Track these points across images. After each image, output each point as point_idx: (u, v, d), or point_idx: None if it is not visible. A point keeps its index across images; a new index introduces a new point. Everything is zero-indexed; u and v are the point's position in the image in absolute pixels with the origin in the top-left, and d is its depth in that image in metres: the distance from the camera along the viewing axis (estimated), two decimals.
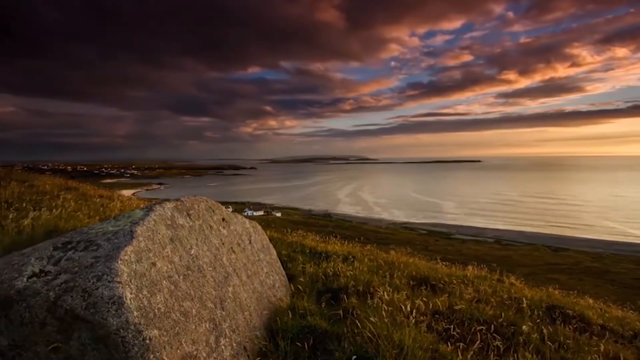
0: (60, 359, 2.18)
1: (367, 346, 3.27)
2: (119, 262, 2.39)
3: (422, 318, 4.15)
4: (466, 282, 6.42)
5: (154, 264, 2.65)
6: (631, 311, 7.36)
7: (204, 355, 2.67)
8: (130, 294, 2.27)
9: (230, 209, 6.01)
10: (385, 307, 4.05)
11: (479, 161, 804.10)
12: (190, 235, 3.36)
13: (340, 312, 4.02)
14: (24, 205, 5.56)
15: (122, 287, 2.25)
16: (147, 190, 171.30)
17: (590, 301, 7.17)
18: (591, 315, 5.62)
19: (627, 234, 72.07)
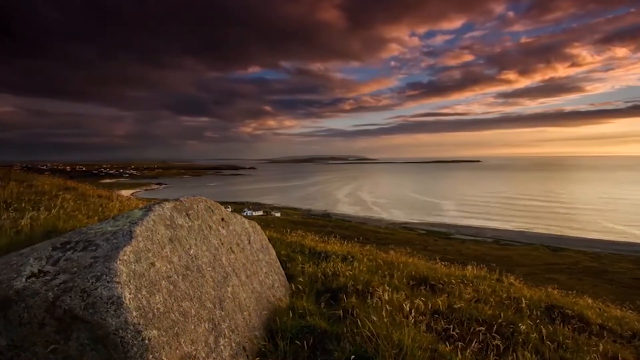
0: (59, 359, 2.18)
1: (367, 346, 3.27)
2: (118, 262, 2.38)
3: (421, 318, 4.16)
4: (465, 282, 6.43)
5: (153, 264, 2.65)
6: (630, 311, 7.37)
7: (203, 355, 2.66)
8: (129, 294, 2.27)
9: (230, 209, 6.01)
10: (385, 307, 4.05)
11: (478, 161, 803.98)
12: (190, 236, 3.35)
13: (340, 312, 4.02)
14: (23, 205, 5.56)
15: (121, 287, 2.25)
16: (146, 190, 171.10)
17: (589, 301, 7.17)
18: (590, 315, 5.62)
19: (626, 234, 72.25)
